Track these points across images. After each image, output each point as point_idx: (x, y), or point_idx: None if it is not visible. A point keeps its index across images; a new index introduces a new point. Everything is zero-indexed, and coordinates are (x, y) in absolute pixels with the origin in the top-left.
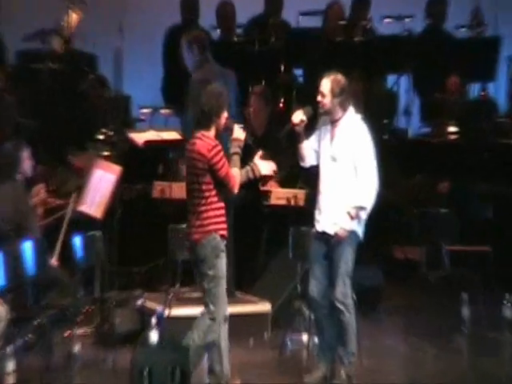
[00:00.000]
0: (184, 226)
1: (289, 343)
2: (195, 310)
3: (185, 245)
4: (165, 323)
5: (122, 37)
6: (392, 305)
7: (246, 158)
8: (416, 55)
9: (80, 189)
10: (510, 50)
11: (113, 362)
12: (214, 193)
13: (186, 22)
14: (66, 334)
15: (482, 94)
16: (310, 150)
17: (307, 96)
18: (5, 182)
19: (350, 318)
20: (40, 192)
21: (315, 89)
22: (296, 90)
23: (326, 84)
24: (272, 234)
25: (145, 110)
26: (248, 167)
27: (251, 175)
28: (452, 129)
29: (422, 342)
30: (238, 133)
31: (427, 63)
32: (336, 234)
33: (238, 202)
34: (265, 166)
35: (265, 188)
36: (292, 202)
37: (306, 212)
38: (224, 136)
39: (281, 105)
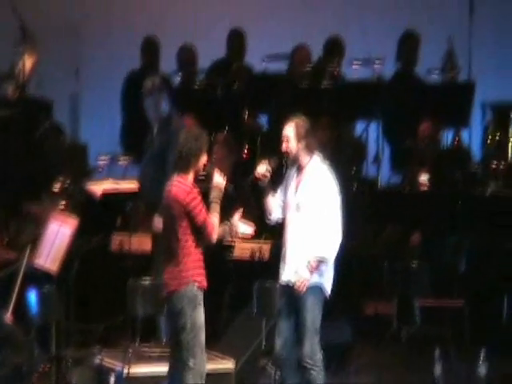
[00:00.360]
0: (144, 280)
1: None
2: (156, 368)
3: (145, 300)
4: (124, 382)
5: (79, 81)
6: (361, 363)
7: (224, 207)
8: (386, 101)
9: (35, 241)
10: (484, 96)
11: None
12: (191, 240)
13: (145, 66)
14: None
15: (456, 141)
16: (275, 205)
17: (272, 143)
18: None
19: (317, 375)
20: None
21: (280, 136)
22: (261, 136)
23: (289, 128)
24: (236, 289)
25: (103, 158)
26: (226, 226)
27: (228, 235)
28: (424, 177)
29: None
30: (218, 179)
31: (398, 109)
32: (295, 284)
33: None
34: (244, 227)
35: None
36: (257, 255)
37: (271, 264)
38: None
39: (245, 152)
